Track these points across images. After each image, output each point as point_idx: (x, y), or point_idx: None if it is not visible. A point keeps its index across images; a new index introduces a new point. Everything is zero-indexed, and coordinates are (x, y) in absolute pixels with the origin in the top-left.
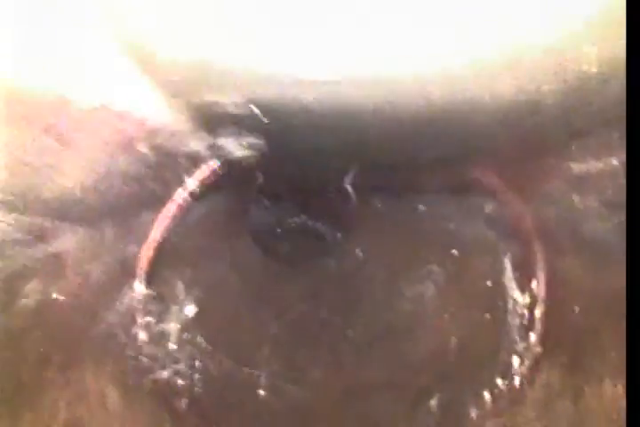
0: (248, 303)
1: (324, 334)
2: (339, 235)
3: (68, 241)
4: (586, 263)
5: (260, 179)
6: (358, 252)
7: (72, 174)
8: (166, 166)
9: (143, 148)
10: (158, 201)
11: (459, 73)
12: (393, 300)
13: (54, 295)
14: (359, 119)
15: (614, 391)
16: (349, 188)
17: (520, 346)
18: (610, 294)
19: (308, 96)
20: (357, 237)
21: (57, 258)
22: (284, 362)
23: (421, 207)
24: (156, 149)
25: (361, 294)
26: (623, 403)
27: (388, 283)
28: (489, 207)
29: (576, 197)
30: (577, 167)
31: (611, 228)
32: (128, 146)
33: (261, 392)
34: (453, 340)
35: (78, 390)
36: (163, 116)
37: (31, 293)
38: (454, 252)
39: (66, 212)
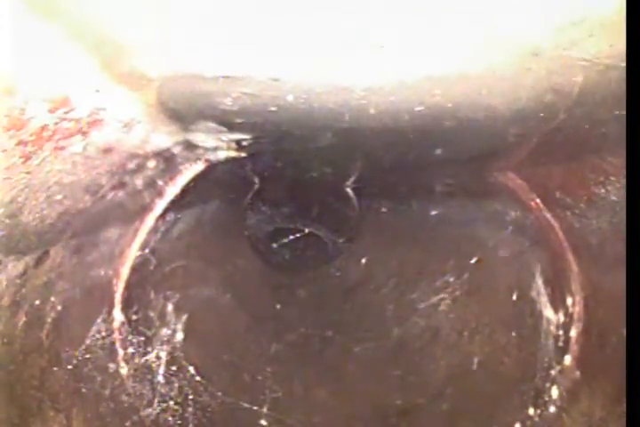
0: (244, 325)
1: (328, 353)
2: (340, 241)
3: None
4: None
5: (257, 184)
6: (363, 260)
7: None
8: (131, 170)
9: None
10: (125, 213)
11: (471, 76)
12: (404, 314)
13: None
14: (361, 119)
15: None
16: (350, 191)
17: (555, 371)
18: None
19: (309, 99)
20: (362, 244)
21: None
22: (286, 389)
23: (434, 212)
24: (111, 147)
25: (368, 307)
26: None
27: (398, 295)
28: (515, 213)
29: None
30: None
31: None
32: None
33: (263, 423)
34: (476, 361)
35: None
36: (131, 114)
37: None
38: (473, 261)
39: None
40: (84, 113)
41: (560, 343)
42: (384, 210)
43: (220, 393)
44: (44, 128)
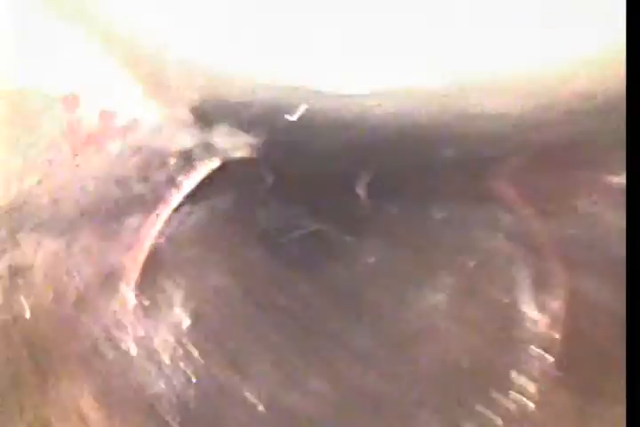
0: (247, 313)
1: (326, 345)
2: (349, 239)
3: (37, 253)
4: (614, 284)
5: (270, 179)
6: (369, 258)
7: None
8: (155, 166)
9: (126, 145)
10: (146, 204)
11: (473, 83)
12: (401, 311)
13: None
14: (373, 123)
15: None
16: (362, 192)
17: (536, 369)
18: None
19: (325, 103)
20: (369, 242)
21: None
22: (284, 375)
23: (437, 214)
24: (142, 147)
25: (371, 304)
26: None
27: (398, 292)
28: (507, 219)
29: (604, 213)
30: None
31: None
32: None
33: (260, 408)
34: (463, 357)
35: (57, 411)
36: (151, 113)
37: None
38: (471, 263)
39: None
40: (125, 121)
41: (543, 343)
42: (394, 212)
43: (221, 377)
44: (93, 134)
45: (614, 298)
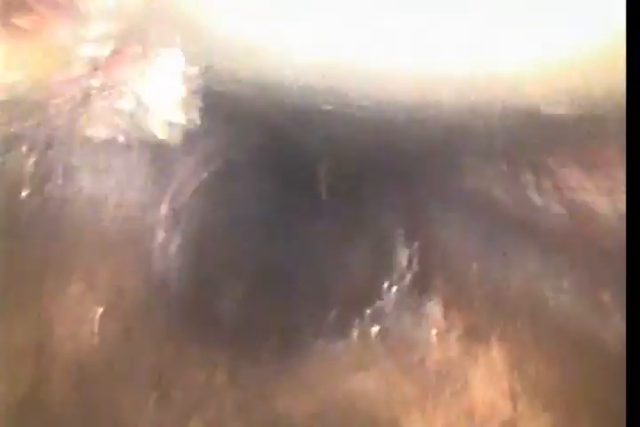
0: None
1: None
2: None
3: None
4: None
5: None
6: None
7: None
8: None
9: None
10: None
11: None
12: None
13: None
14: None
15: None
16: (323, 187)
17: (401, 282)
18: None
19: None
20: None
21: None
22: (248, 291)
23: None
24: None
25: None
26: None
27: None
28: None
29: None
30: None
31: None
32: None
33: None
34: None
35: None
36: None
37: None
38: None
39: None
40: None
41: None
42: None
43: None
44: None
45: (457, 243)
